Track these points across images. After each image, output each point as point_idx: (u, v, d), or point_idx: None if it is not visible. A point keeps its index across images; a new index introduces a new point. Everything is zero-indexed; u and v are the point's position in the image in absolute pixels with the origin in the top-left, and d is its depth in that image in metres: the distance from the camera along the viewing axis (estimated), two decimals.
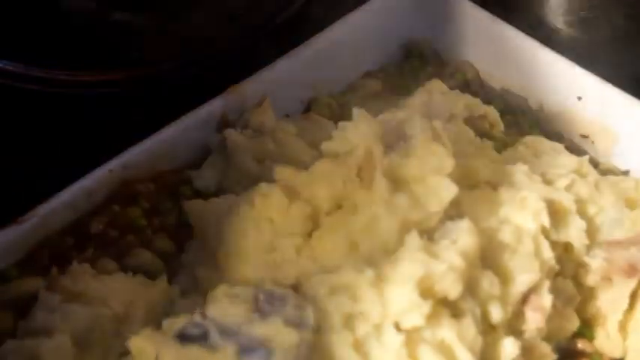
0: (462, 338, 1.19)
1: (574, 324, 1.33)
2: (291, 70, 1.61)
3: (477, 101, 1.61)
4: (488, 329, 1.24)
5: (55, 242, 1.39)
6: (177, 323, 1.18)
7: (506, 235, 1.30)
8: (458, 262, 1.21)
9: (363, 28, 1.68)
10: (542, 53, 1.63)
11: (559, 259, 1.32)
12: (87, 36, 1.61)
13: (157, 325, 1.22)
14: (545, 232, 1.32)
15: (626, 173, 1.57)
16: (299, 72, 1.62)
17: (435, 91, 1.58)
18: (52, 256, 1.37)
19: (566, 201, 1.36)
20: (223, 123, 1.52)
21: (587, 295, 1.36)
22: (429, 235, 1.27)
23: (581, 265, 1.36)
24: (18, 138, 1.59)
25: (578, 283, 1.36)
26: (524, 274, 1.27)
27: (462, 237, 1.24)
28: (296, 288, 1.22)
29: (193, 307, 1.28)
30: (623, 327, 1.35)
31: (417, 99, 1.56)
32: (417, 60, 1.73)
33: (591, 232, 1.37)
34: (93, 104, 1.59)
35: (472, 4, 1.68)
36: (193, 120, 1.50)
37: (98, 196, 1.43)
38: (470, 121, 1.57)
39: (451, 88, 1.62)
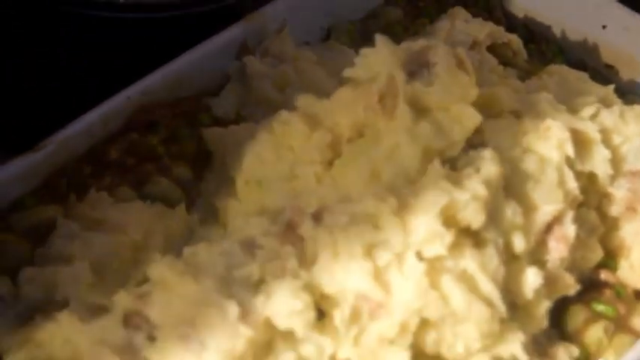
0: (484, 268, 1.18)
1: (597, 254, 1.32)
2: None
3: (500, 29, 1.57)
4: (510, 259, 1.22)
5: (72, 170, 1.37)
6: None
7: (529, 165, 1.28)
8: (481, 191, 1.19)
9: None
10: None
11: (583, 189, 1.30)
12: None
13: (176, 253, 1.21)
14: (569, 161, 1.30)
15: None
16: None
17: (458, 18, 1.55)
18: (69, 183, 1.36)
19: (591, 130, 1.34)
20: (242, 50, 1.50)
21: (610, 225, 1.35)
22: (452, 163, 1.25)
23: (605, 196, 1.35)
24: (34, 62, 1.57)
25: (602, 213, 1.34)
26: (547, 204, 1.25)
27: (485, 166, 1.23)
28: (316, 216, 1.20)
29: (212, 236, 1.28)
30: None
31: (440, 26, 1.53)
32: None
33: (616, 162, 1.35)
34: (110, 27, 1.57)
35: None
36: (212, 47, 1.48)
37: (115, 123, 1.41)
38: (493, 49, 1.54)
39: (474, 16, 1.59)
